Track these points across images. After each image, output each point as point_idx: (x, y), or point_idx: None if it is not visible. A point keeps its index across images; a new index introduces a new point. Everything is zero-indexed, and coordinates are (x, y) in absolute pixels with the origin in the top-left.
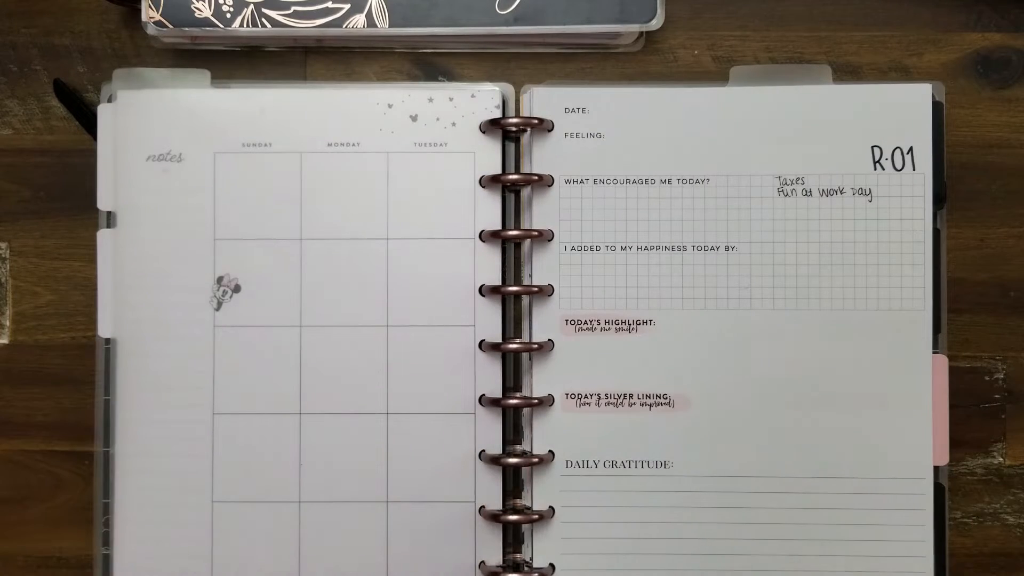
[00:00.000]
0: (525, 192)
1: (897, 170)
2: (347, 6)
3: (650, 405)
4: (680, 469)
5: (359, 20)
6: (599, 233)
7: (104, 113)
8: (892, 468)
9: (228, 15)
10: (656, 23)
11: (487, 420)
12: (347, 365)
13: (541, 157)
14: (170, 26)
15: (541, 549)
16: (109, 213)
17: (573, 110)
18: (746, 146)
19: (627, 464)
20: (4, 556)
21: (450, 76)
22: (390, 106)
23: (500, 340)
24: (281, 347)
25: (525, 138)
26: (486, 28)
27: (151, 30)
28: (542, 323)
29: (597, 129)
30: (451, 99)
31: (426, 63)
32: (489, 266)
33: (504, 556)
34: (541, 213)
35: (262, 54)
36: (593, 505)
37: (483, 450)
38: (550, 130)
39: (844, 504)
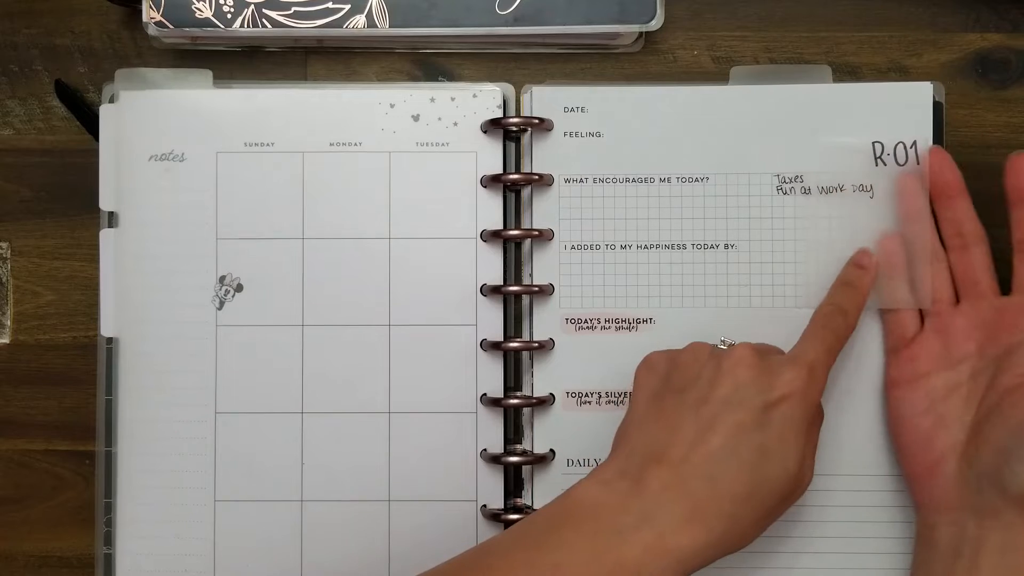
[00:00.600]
0: (525, 192)
1: (900, 165)
2: (347, 6)
3: None
4: None
5: (359, 20)
6: (599, 232)
7: (106, 113)
8: (892, 466)
9: (229, 16)
10: (656, 23)
11: (488, 419)
12: (349, 364)
13: (541, 157)
14: (171, 27)
15: None
16: (111, 213)
17: (573, 110)
18: (745, 144)
19: None
20: (5, 555)
21: (450, 76)
22: (392, 106)
23: (501, 339)
24: (283, 346)
25: (525, 138)
26: (486, 28)
27: (152, 31)
28: (543, 322)
29: (597, 128)
30: (453, 99)
31: (426, 63)
32: (490, 266)
33: None
34: (541, 212)
35: (263, 54)
36: None
37: (484, 449)
38: (550, 130)
39: (843, 502)
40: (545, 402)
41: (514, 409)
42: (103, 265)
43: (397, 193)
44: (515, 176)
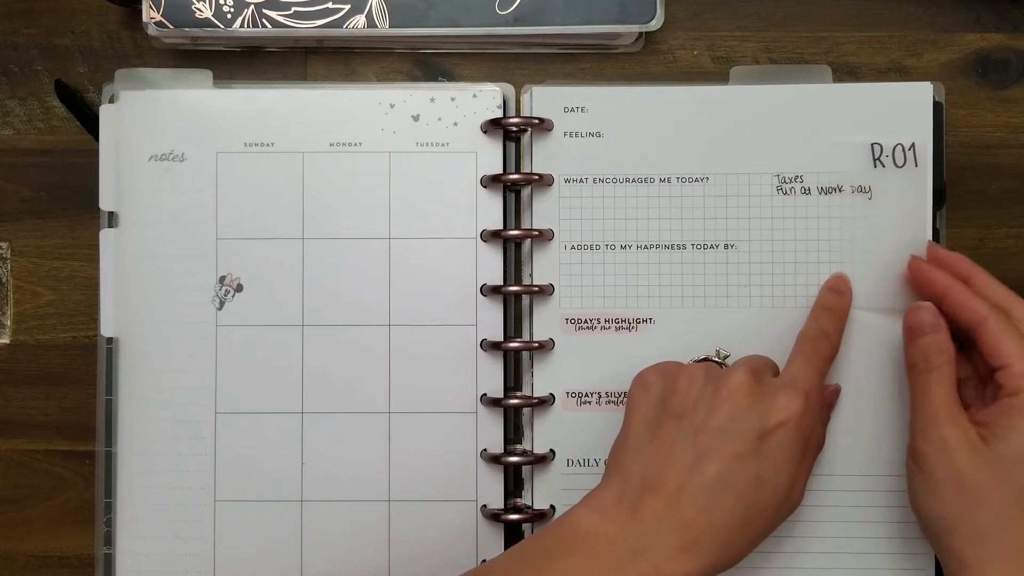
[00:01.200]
0: (525, 192)
1: (898, 167)
2: (347, 7)
3: None
4: None
5: (359, 21)
6: (599, 232)
7: (106, 113)
8: (892, 466)
9: (229, 16)
10: (656, 23)
11: (488, 419)
12: (349, 364)
13: (541, 157)
14: (171, 27)
15: None
16: (111, 213)
17: (573, 110)
18: (745, 144)
19: None
20: (5, 555)
21: (450, 76)
22: (392, 106)
23: (501, 339)
24: (283, 346)
25: (525, 138)
26: (486, 28)
27: (152, 31)
28: (543, 322)
29: (597, 128)
30: (453, 99)
31: (426, 63)
32: (490, 266)
33: None
34: (541, 213)
35: (263, 55)
36: None
37: (484, 449)
38: (550, 130)
39: (843, 501)
40: (545, 402)
41: (514, 409)
42: (103, 265)
43: (397, 193)
44: (515, 176)
